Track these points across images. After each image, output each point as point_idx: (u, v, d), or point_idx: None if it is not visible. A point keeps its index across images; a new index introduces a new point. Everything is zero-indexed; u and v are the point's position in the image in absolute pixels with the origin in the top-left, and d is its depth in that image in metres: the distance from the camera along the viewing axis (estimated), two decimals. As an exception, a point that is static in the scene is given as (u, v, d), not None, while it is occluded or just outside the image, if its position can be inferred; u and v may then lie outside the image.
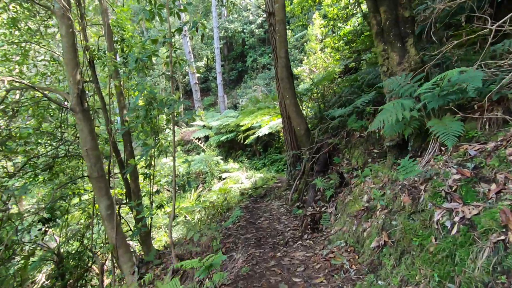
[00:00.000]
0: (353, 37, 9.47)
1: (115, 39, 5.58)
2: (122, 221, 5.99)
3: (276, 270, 3.04)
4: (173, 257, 4.51)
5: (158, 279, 4.37)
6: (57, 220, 5.23)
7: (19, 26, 5.25)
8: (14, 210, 5.30)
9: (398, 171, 2.62)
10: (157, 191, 5.85)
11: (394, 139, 3.77)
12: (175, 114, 4.51)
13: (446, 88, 2.53)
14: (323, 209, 4.53)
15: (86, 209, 5.68)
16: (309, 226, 4.23)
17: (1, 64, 5.36)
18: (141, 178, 5.87)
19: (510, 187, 1.83)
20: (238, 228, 5.19)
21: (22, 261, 5.00)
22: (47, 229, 5.13)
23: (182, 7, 4.45)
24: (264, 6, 7.11)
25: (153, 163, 5.71)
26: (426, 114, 2.84)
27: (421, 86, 3.03)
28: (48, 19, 5.49)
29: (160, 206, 5.81)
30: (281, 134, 10.90)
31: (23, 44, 5.33)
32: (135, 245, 7.24)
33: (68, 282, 5.31)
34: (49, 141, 5.49)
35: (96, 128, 5.86)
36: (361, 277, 2.57)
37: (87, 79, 5.46)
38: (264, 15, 8.01)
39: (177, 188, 10.62)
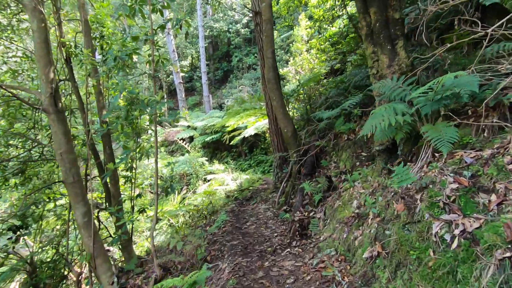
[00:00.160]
0: (339, 38, 9.47)
1: (94, 35, 5.30)
2: (102, 226, 5.71)
3: (265, 283, 2.89)
4: (155, 266, 4.30)
5: (139, 290, 4.15)
6: (29, 227, 4.88)
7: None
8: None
9: (392, 179, 2.52)
10: (139, 195, 5.59)
11: (384, 143, 3.70)
12: (157, 115, 4.29)
13: (439, 92, 2.46)
14: (311, 214, 4.42)
15: (61, 215, 5.35)
16: (297, 232, 4.10)
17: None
18: (122, 181, 5.60)
19: (511, 198, 1.75)
20: (224, 233, 5.02)
21: (-9, 272, 4.65)
22: (18, 237, 4.79)
23: (165, 4, 4.24)
24: (250, 5, 6.96)
25: (134, 165, 5.45)
26: (419, 119, 2.76)
27: (413, 90, 2.95)
28: (20, 13, 5.14)
29: (142, 210, 5.56)
30: (267, 135, 10.79)
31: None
32: (116, 251, 6.95)
33: (43, 292, 4.99)
34: (21, 143, 5.15)
35: (73, 129, 5.56)
36: (353, 289, 2.46)
37: (64, 78, 5.15)
38: (250, 15, 7.87)
39: (160, 192, 10.32)
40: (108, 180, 5.11)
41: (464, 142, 2.42)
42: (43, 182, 5.24)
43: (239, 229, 5.16)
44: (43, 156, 5.18)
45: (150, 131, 6.13)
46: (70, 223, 5.08)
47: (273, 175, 7.39)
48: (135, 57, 6.00)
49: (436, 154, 2.59)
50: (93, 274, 4.55)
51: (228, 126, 11.10)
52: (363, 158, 4.62)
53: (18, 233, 4.75)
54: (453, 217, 1.91)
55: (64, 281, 5.47)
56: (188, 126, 14.72)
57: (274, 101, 6.00)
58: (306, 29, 12.27)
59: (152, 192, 10.24)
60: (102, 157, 5.34)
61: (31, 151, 5.19)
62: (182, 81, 17.71)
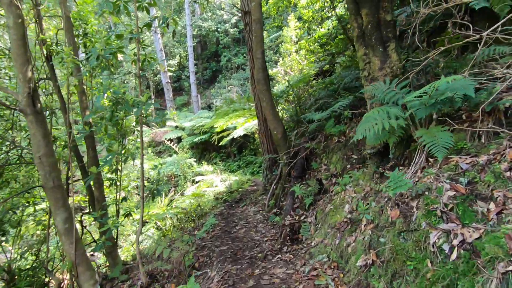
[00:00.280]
0: (328, 40, 9.48)
1: (77, 33, 5.08)
2: (85, 231, 5.49)
3: (255, 292, 2.79)
4: (141, 273, 4.13)
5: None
6: (6, 234, 4.64)
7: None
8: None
9: (387, 185, 2.46)
10: (124, 198, 5.39)
11: (375, 146, 3.65)
12: (143, 116, 4.12)
13: (434, 96, 2.41)
14: (302, 218, 4.35)
15: (41, 220, 5.10)
16: (288, 237, 4.02)
17: None
18: (107, 183, 5.39)
19: (511, 207, 1.70)
20: (212, 238, 4.89)
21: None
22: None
23: (151, 1, 4.08)
24: (240, 4, 6.84)
25: (120, 167, 5.26)
26: (412, 123, 2.71)
27: (406, 93, 2.91)
28: (-3, 8, 4.87)
29: (128, 214, 5.37)
30: (256, 135, 10.69)
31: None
32: (100, 256, 6.71)
33: (21, 302, 4.74)
34: (-2, 145, 4.89)
35: (55, 130, 5.32)
36: (347, 299, 2.39)
37: (44, 76, 4.92)
38: (239, 14, 7.75)
39: (147, 194, 10.08)
40: (92, 183, 4.91)
41: (459, 147, 2.38)
42: (21, 186, 4.99)
43: (228, 233, 5.05)
44: (22, 159, 4.93)
45: (136, 132, 5.93)
46: (51, 229, 4.85)
47: (263, 176, 7.30)
48: (120, 56, 5.79)
49: (430, 159, 2.54)
50: (75, 283, 4.35)
51: (217, 127, 10.95)
52: (354, 161, 4.57)
53: (-6, 240, 4.51)
54: (451, 227, 1.85)
55: (45, 288, 5.23)
56: (176, 127, 14.48)
57: (264, 102, 5.91)
58: (296, 30, 12.25)
59: (139, 194, 9.99)
60: (86, 159, 5.13)
61: (9, 154, 4.93)
62: (170, 81, 17.43)
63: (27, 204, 5.09)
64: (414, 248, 2.04)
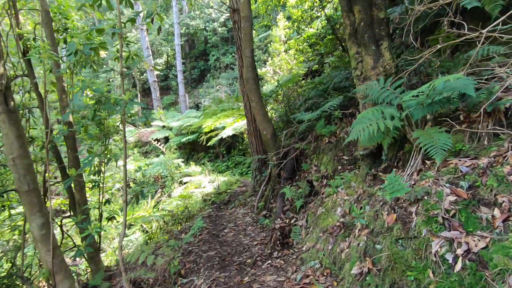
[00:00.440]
0: (317, 40, 9.43)
1: (57, 28, 4.82)
2: (66, 236, 5.22)
3: (245, 302, 2.64)
4: (124, 281, 3.92)
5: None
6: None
7: None
8: None
9: (383, 189, 2.35)
10: (108, 201, 5.15)
11: (368, 147, 3.55)
12: (128, 115, 3.91)
13: (431, 96, 2.31)
14: (292, 221, 4.22)
15: (17, 225, 4.81)
16: (278, 241, 3.88)
17: None
18: (90, 185, 5.14)
19: (517, 213, 1.61)
20: (200, 242, 4.71)
21: None
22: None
23: (135, -6, 3.88)
24: (228, 2, 6.67)
25: (103, 169, 5.02)
26: (408, 123, 2.62)
27: (401, 92, 2.81)
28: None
29: (112, 217, 5.13)
30: (245, 135, 10.55)
31: None
32: (82, 262, 6.43)
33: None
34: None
35: (32, 130, 5.04)
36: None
37: (21, 73, 4.65)
38: (228, 14, 7.59)
39: (131, 197, 9.79)
40: (72, 186, 4.66)
41: (457, 149, 2.29)
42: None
43: (216, 237, 4.88)
44: (-3, 161, 4.64)
45: (121, 132, 5.69)
46: (27, 235, 4.58)
47: (252, 178, 7.15)
48: (104, 53, 5.54)
49: (427, 162, 2.44)
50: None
51: (205, 127, 10.75)
52: (345, 162, 4.47)
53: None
54: (454, 235, 1.75)
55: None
56: (163, 126, 14.18)
57: (253, 102, 5.76)
58: (285, 29, 12.17)
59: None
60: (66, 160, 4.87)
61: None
62: (156, 80, 17.06)
63: (2, 208, 4.80)
64: (414, 256, 1.93)
